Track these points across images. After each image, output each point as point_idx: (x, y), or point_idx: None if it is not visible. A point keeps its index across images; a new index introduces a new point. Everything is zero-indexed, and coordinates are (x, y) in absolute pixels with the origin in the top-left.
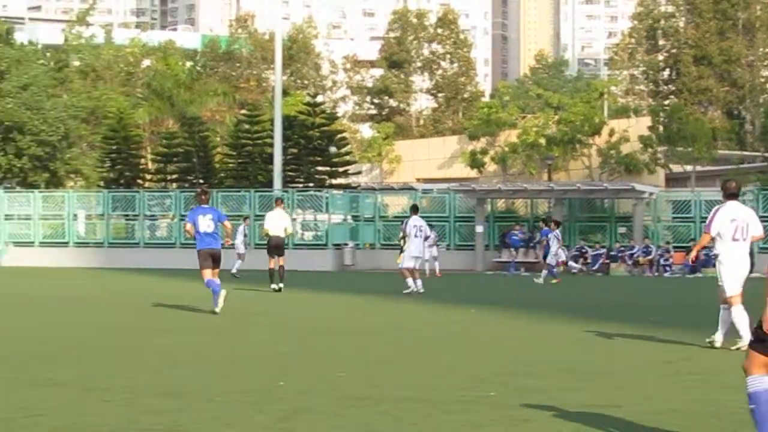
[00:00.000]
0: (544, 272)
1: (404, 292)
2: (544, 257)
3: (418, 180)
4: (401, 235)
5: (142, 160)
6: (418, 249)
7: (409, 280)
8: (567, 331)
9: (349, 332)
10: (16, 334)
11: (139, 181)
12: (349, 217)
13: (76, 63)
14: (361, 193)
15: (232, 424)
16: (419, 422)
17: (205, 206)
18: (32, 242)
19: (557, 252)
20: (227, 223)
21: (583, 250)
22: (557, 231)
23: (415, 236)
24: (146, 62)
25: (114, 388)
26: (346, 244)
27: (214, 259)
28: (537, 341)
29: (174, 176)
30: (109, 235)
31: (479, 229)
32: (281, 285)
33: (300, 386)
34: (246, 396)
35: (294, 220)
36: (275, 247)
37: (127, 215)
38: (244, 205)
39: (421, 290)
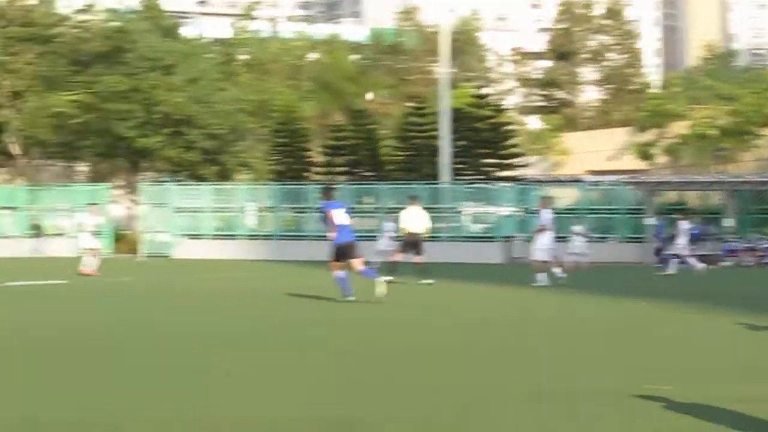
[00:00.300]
0: (692, 261)
1: (533, 285)
2: (658, 250)
3: (587, 172)
4: (540, 227)
5: (310, 153)
6: (552, 240)
7: (540, 275)
8: (737, 325)
9: (520, 324)
10: (186, 325)
11: (307, 174)
12: (517, 209)
13: (243, 57)
14: (529, 185)
15: (404, 416)
16: (594, 416)
17: (335, 201)
18: (202, 235)
19: (684, 244)
20: (351, 220)
21: (755, 243)
22: (686, 223)
23: (549, 229)
24: (313, 55)
25: (286, 379)
26: (515, 237)
27: (354, 249)
28: (709, 335)
29: (341, 169)
30: (278, 228)
31: (649, 221)
32: (430, 280)
33: (474, 379)
34: (418, 389)
35: (460, 213)
36: (412, 244)
37: (295, 208)
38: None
39: (561, 278)
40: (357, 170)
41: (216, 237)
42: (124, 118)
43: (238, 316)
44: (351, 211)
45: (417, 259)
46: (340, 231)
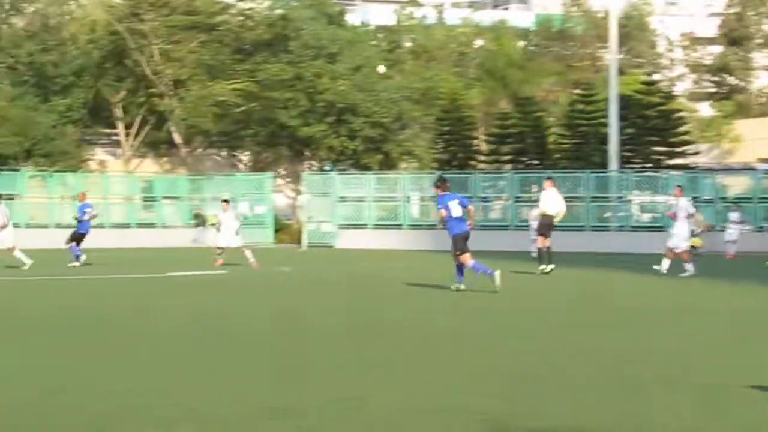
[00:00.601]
0: None
1: (681, 275)
2: None
3: (759, 160)
4: (671, 213)
5: (475, 141)
6: (687, 229)
7: (687, 265)
8: None
9: (694, 315)
10: (340, 316)
11: (472, 163)
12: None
13: (408, 44)
14: (700, 173)
15: (579, 406)
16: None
17: (450, 193)
18: (365, 225)
19: None
20: (471, 207)
21: None
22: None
23: (687, 217)
24: (478, 42)
25: (443, 370)
26: None
27: (467, 241)
28: None
29: (507, 157)
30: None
31: None
32: (552, 266)
33: (653, 371)
34: (588, 379)
35: (629, 202)
36: (549, 227)
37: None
38: (579, 186)
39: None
40: (523, 159)
41: (379, 227)
42: (287, 106)
43: (395, 306)
44: (465, 202)
45: (547, 242)
46: (456, 223)
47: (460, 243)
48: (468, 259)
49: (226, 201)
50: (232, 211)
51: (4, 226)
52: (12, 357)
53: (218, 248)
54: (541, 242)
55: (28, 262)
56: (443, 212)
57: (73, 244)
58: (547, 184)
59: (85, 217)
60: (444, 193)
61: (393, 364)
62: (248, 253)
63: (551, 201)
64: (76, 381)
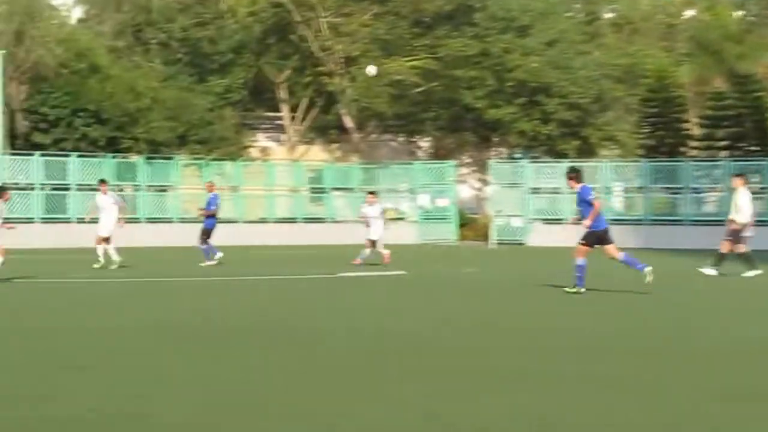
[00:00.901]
0: None
1: None
2: None
3: None
4: None
5: (686, 125)
6: None
7: None
8: None
9: None
10: (515, 323)
11: (683, 149)
12: None
13: (609, 15)
14: None
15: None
16: None
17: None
18: (561, 219)
19: None
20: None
21: None
22: None
23: None
24: (689, 12)
25: (644, 385)
26: None
27: (609, 235)
28: None
29: (723, 143)
30: (649, 211)
31: None
32: (716, 272)
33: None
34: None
35: None
36: (741, 233)
37: (669, 188)
38: None
39: None
40: (741, 144)
41: (576, 222)
42: (473, 86)
43: (603, 316)
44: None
45: (730, 247)
46: (600, 217)
47: (595, 239)
48: (582, 255)
49: (372, 193)
50: (380, 205)
51: (121, 214)
52: (181, 370)
53: (369, 240)
54: (729, 248)
55: (103, 261)
56: (598, 203)
57: (207, 243)
58: (738, 182)
59: (213, 210)
60: (584, 184)
61: (586, 378)
62: (368, 251)
63: (750, 204)
64: (248, 397)
